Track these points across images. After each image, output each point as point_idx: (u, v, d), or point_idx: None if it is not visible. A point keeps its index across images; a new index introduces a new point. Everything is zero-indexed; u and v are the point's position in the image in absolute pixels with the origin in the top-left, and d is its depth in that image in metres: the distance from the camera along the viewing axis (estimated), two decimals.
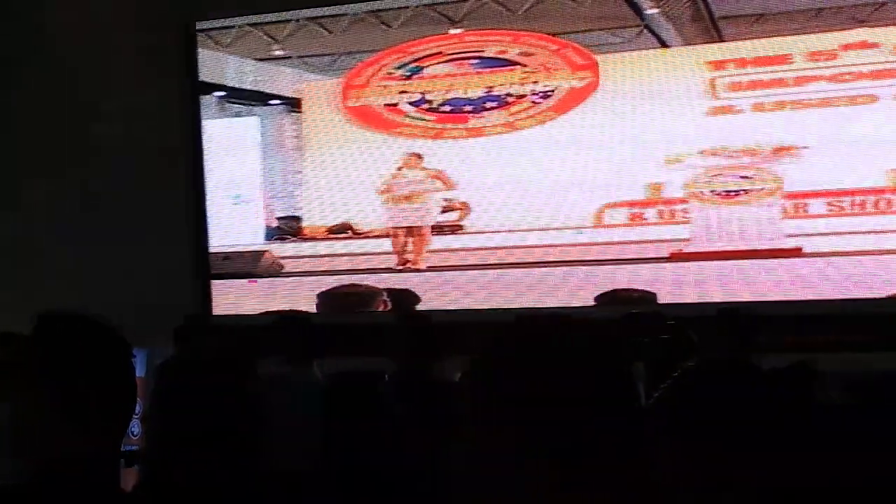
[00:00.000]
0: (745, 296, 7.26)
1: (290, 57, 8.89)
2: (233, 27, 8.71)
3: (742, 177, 7.54)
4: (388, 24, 8.42)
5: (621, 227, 7.78)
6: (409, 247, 8.18)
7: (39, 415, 2.02)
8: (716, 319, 5.30)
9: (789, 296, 7.20)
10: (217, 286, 8.33)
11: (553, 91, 7.93)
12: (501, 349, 1.49)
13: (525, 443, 1.39)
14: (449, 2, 8.22)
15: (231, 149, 8.72)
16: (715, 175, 7.58)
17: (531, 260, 7.87)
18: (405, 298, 7.79)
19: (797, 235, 7.36)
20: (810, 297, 7.18)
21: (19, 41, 8.35)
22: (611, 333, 1.53)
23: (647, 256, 7.62)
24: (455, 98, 8.12)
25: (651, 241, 7.66)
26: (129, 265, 7.77)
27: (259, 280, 8.42)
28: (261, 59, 8.98)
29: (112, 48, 8.14)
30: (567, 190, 7.85)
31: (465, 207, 8.12)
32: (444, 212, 8.17)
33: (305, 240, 8.58)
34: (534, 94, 7.96)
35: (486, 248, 8.01)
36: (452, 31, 8.21)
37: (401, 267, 8.14)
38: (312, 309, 7.82)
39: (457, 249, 8.10)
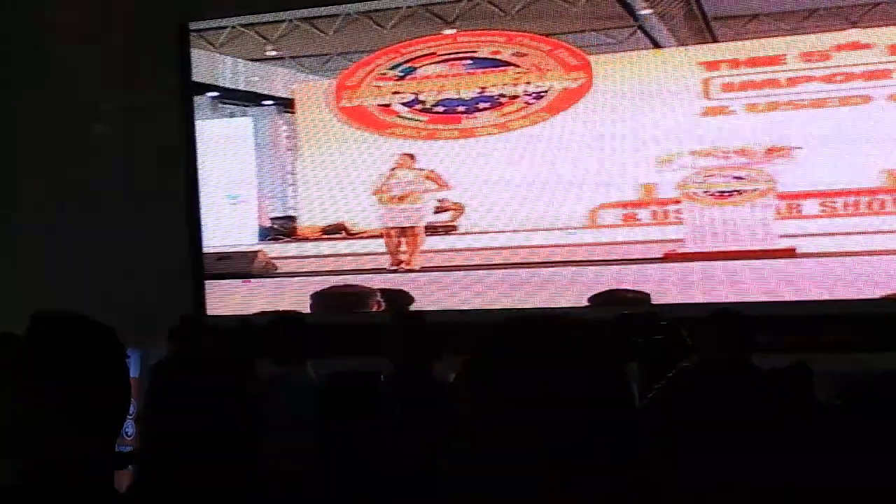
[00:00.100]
0: (739, 296, 7.27)
1: (283, 57, 8.89)
2: (226, 27, 8.71)
3: (735, 177, 7.55)
4: (382, 25, 8.43)
5: (615, 228, 7.80)
6: (403, 247, 8.19)
7: (33, 415, 2.02)
8: (710, 320, 5.31)
9: (783, 296, 7.21)
10: (211, 286, 8.33)
11: (546, 92, 7.94)
12: (494, 349, 1.48)
13: (519, 443, 1.39)
14: (442, 2, 8.23)
15: (225, 149, 8.72)
16: (708, 175, 7.60)
17: (525, 260, 7.88)
18: (399, 298, 7.79)
19: (790, 236, 7.38)
20: (803, 297, 7.19)
21: (11, 40, 8.33)
22: (604, 334, 1.53)
23: (641, 257, 7.64)
24: (448, 98, 8.12)
25: (645, 242, 7.67)
26: (124, 265, 7.76)
27: (253, 280, 8.42)
28: (254, 60, 8.98)
29: (105, 48, 8.12)
30: (561, 190, 7.85)
31: (458, 208, 8.12)
32: (437, 212, 8.17)
33: (299, 240, 8.58)
34: (527, 94, 7.96)
35: (479, 249, 8.02)
36: (446, 32, 8.21)
37: (394, 267, 8.15)
38: (306, 309, 7.82)
39: (450, 250, 8.10)
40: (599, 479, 1.38)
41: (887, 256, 7.13)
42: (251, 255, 8.52)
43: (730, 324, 5.19)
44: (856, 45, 7.33)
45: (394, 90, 8.27)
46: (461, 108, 8.09)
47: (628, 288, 7.45)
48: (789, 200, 7.43)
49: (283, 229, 8.69)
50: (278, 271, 8.48)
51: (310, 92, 8.76)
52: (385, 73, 8.31)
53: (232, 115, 9.18)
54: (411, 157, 8.18)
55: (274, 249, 8.60)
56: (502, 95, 8.01)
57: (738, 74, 7.61)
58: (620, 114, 7.80)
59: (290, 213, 8.71)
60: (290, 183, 8.76)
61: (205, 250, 8.36)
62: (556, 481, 1.37)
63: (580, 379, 1.43)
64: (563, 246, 7.80)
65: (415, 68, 8.24)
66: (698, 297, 7.34)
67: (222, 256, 8.46)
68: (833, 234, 7.30)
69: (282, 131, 8.93)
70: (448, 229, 8.15)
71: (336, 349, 5.75)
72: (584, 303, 7.42)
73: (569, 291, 7.63)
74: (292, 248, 8.59)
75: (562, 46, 7.97)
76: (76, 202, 8.12)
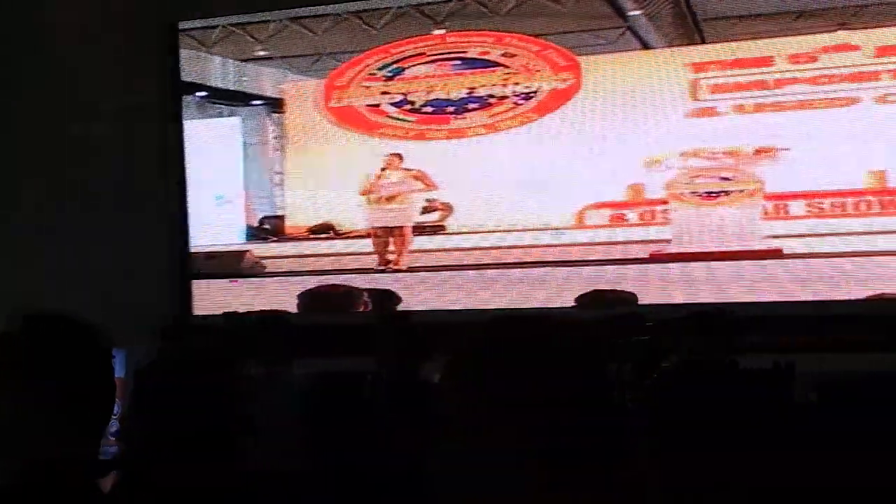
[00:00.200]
0: (725, 297, 7.28)
1: (272, 57, 8.88)
2: (215, 27, 8.70)
3: (723, 178, 7.57)
4: (371, 25, 8.42)
5: (602, 228, 7.81)
6: (391, 247, 8.19)
7: (18, 415, 2.01)
8: (696, 320, 5.31)
9: (769, 297, 7.23)
10: (198, 286, 8.31)
11: (535, 92, 7.94)
12: (480, 350, 1.49)
13: (505, 443, 1.40)
14: (432, 2, 8.23)
15: (213, 149, 8.71)
16: (695, 176, 7.61)
17: (513, 260, 7.89)
18: (386, 299, 7.78)
19: (777, 237, 7.40)
20: (790, 298, 7.21)
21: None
22: (591, 334, 1.53)
23: (628, 257, 7.65)
24: (437, 99, 8.13)
25: (632, 242, 7.69)
26: (110, 264, 7.74)
27: (240, 280, 8.41)
28: (243, 60, 8.97)
29: (92, 48, 8.10)
30: (548, 191, 7.86)
31: (446, 208, 8.13)
32: (425, 212, 8.17)
33: (287, 240, 8.57)
34: (515, 95, 7.97)
35: (468, 249, 8.02)
36: (436, 32, 8.21)
37: (382, 267, 8.14)
38: (293, 309, 7.81)
39: (439, 250, 8.11)
40: (586, 479, 1.39)
41: (875, 258, 7.15)
42: (239, 255, 8.51)
43: (716, 324, 5.20)
44: (843, 47, 7.35)
45: (383, 90, 8.27)
46: (450, 109, 8.09)
47: (615, 288, 7.45)
48: (776, 201, 7.45)
49: (270, 229, 8.69)
50: (266, 271, 8.47)
51: (299, 92, 8.76)
52: (374, 74, 8.31)
53: (220, 115, 9.17)
54: (399, 157, 8.18)
55: (261, 249, 8.60)
56: (491, 96, 8.02)
57: (726, 76, 7.63)
58: (609, 115, 7.81)
59: (278, 212, 8.70)
60: (279, 183, 8.76)
61: (192, 250, 8.34)
62: (543, 481, 1.38)
63: (566, 379, 1.43)
64: (551, 246, 7.81)
65: (404, 69, 8.24)
66: (685, 298, 7.35)
67: (210, 256, 8.44)
68: (821, 235, 7.32)
69: (270, 131, 8.93)
70: (436, 229, 8.15)
71: (323, 349, 5.74)
72: (571, 303, 7.41)
73: (556, 292, 7.63)
74: (280, 248, 8.58)
75: (551, 47, 7.98)
76: (66, 201, 8.09)
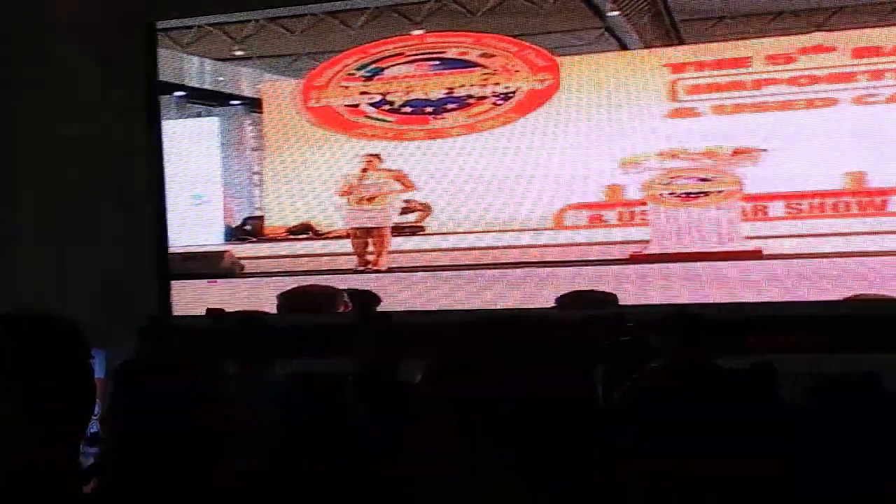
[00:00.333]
0: (706, 297, 7.30)
1: (250, 57, 8.87)
2: (193, 27, 8.67)
3: (701, 179, 7.58)
4: (349, 25, 8.41)
5: (581, 229, 7.82)
6: (370, 248, 8.18)
7: None
8: (676, 320, 5.32)
9: (749, 298, 7.25)
10: (177, 286, 8.28)
11: (514, 93, 7.95)
12: (460, 351, 1.48)
13: (486, 445, 1.39)
14: (410, 2, 8.22)
15: (191, 149, 8.68)
16: (674, 177, 7.63)
17: (492, 261, 7.89)
18: (366, 299, 7.77)
19: (756, 237, 7.42)
20: (770, 298, 7.23)
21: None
22: (571, 335, 1.53)
23: (608, 258, 7.66)
24: (416, 99, 8.12)
25: (611, 243, 7.70)
26: (89, 264, 7.71)
27: (220, 280, 8.39)
28: (221, 60, 8.95)
29: (70, 47, 8.06)
30: (527, 191, 7.87)
31: (425, 209, 8.12)
32: (404, 213, 8.17)
33: (266, 240, 8.56)
34: (495, 95, 7.97)
35: (446, 249, 8.02)
36: (415, 33, 8.21)
37: (362, 268, 8.14)
38: (273, 310, 7.79)
39: (417, 250, 8.10)
40: (568, 480, 1.39)
41: (853, 259, 7.18)
42: (218, 255, 8.49)
43: (695, 324, 5.21)
44: (820, 49, 7.38)
45: (361, 90, 8.26)
46: (429, 109, 8.09)
47: (595, 289, 7.46)
48: (755, 202, 7.47)
49: (249, 229, 8.67)
50: (245, 271, 8.45)
51: (277, 92, 8.74)
52: (353, 74, 8.30)
53: (199, 115, 9.15)
54: (378, 157, 8.17)
55: (241, 249, 8.58)
56: (470, 96, 8.02)
57: (704, 76, 7.65)
58: (587, 115, 7.83)
59: (257, 213, 8.69)
60: (257, 183, 8.74)
61: (171, 250, 8.31)
62: (523, 482, 1.37)
63: (547, 380, 1.43)
64: (530, 247, 7.82)
65: (383, 69, 8.23)
66: (665, 298, 7.37)
67: (189, 256, 8.42)
68: (799, 236, 7.35)
69: (249, 131, 8.91)
70: (415, 230, 8.15)
71: (301, 350, 5.73)
72: (550, 303, 7.42)
73: (536, 292, 7.64)
74: (259, 248, 8.56)
75: (529, 48, 7.98)
76: (45, 200, 8.06)
